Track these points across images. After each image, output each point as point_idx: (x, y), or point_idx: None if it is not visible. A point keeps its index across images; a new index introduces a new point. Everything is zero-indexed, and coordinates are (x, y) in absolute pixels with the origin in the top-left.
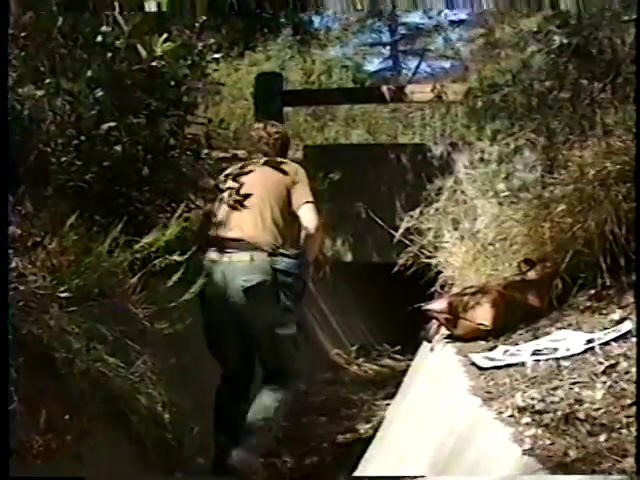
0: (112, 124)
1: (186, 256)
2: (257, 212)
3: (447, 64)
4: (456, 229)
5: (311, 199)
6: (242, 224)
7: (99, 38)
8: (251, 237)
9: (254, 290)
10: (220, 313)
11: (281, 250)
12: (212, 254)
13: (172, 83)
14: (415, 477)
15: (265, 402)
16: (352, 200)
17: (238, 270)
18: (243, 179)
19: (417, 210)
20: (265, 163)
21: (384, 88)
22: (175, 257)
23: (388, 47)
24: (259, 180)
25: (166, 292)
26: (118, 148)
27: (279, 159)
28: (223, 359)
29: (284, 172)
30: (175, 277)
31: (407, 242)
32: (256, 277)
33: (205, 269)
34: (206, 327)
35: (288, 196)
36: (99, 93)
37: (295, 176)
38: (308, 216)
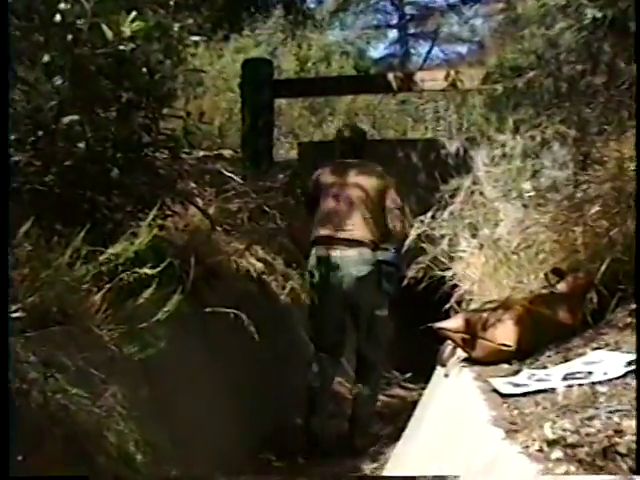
0: (74, 117)
1: (159, 268)
2: (361, 212)
3: (463, 48)
4: (474, 236)
5: (401, 204)
6: (349, 224)
7: (57, 17)
8: (360, 237)
9: (364, 278)
10: (331, 297)
11: (382, 245)
12: (320, 251)
13: (144, 70)
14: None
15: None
16: None
17: (351, 263)
18: (342, 179)
19: (429, 214)
20: (357, 166)
21: (391, 76)
22: (146, 270)
23: (395, 30)
24: (360, 182)
25: (137, 311)
26: (82, 145)
27: (371, 164)
28: (323, 335)
29: (378, 175)
30: (147, 293)
31: (417, 251)
32: (366, 268)
33: (313, 263)
34: (312, 309)
35: (383, 199)
36: (58, 81)
37: (388, 180)
38: (398, 222)
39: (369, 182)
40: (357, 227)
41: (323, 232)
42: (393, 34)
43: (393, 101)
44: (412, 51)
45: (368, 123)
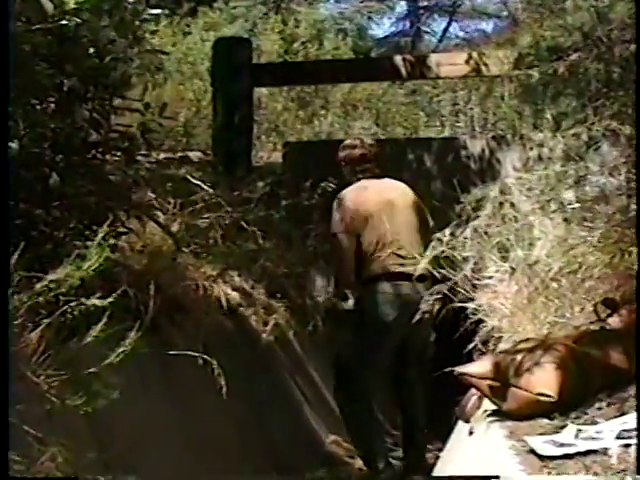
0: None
1: (111, 299)
2: (420, 238)
3: (488, 24)
4: (504, 259)
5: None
6: (412, 254)
7: None
8: (425, 268)
9: (426, 317)
10: (394, 337)
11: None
12: (384, 286)
13: (92, 51)
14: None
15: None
16: None
17: (419, 299)
18: (386, 202)
19: (447, 232)
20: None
21: (398, 60)
22: (95, 301)
23: (404, 1)
24: (406, 204)
25: (83, 352)
26: (14, 145)
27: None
28: (378, 372)
29: (412, 195)
30: (95, 330)
31: (434, 278)
32: (428, 305)
33: (381, 301)
34: (370, 349)
35: (425, 221)
36: None
37: (418, 198)
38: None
39: (413, 204)
40: (421, 256)
41: (392, 266)
42: (401, 7)
43: (401, 91)
44: (425, 28)
45: (370, 118)
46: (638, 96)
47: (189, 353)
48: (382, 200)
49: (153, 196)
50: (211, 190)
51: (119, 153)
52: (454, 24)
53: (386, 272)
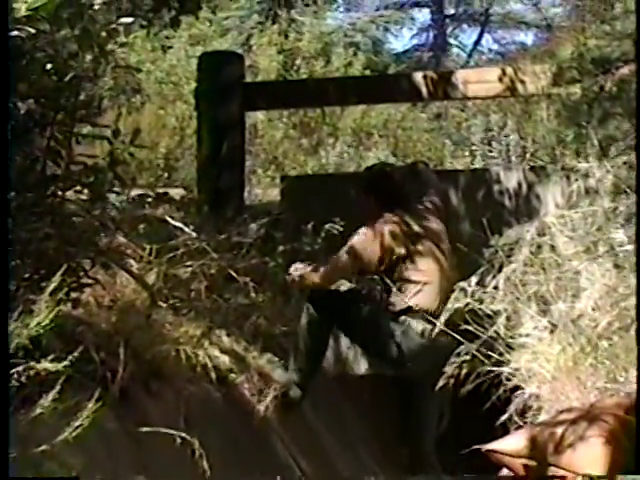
0: None
1: (67, 362)
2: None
3: (525, 34)
4: (544, 313)
5: None
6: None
7: None
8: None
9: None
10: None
11: None
12: (418, 324)
13: (49, 67)
14: None
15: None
16: None
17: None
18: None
19: (474, 280)
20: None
21: (420, 78)
22: (48, 365)
23: (427, 9)
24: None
25: (33, 426)
26: None
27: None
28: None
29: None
30: (48, 399)
31: (458, 337)
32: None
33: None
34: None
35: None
36: None
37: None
38: None
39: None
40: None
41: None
42: (423, 16)
43: (423, 115)
44: (451, 41)
45: (387, 148)
46: (638, 96)
47: (166, 430)
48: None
49: (124, 241)
50: (194, 234)
51: (83, 189)
52: (486, 35)
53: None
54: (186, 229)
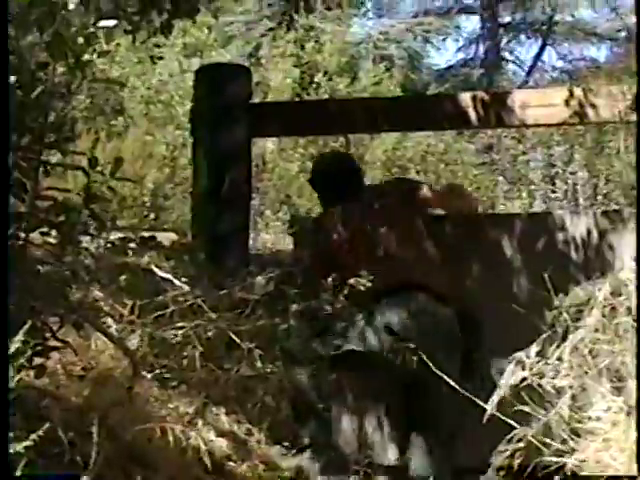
0: None
1: (29, 442)
2: None
3: (599, 48)
4: (618, 390)
5: None
6: None
7: None
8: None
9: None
10: None
11: None
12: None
13: (12, 80)
14: None
15: None
16: None
17: None
18: None
19: (533, 351)
20: None
21: (468, 99)
22: None
23: (476, 16)
24: None
25: None
26: None
27: None
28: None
29: None
30: None
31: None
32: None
33: None
34: None
35: None
36: None
37: None
38: None
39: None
40: None
41: None
42: (473, 24)
43: (471, 145)
44: (506, 55)
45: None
46: (638, 97)
47: None
48: None
49: (101, 295)
50: (187, 288)
51: (52, 231)
52: (548, 49)
53: None
54: (177, 282)
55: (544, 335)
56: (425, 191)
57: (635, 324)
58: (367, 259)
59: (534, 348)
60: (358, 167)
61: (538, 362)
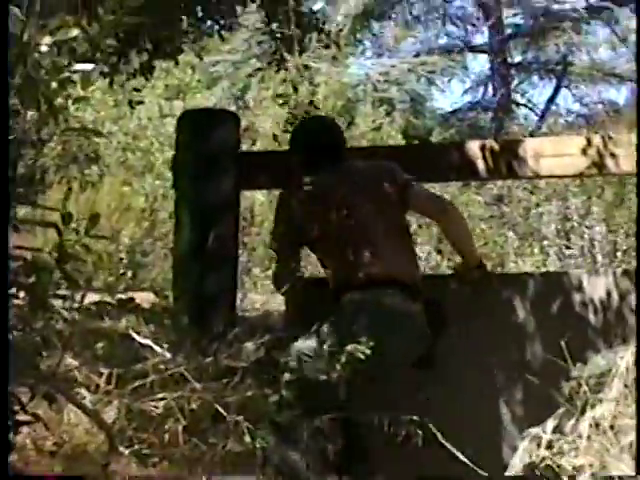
0: None
1: None
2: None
3: (618, 91)
4: None
5: None
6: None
7: None
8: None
9: None
10: None
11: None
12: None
13: None
14: None
15: None
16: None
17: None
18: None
19: (550, 425)
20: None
21: (476, 147)
22: None
23: (485, 55)
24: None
25: None
26: None
27: None
28: None
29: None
30: None
31: None
32: None
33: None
34: None
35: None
36: None
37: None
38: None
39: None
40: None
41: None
42: (481, 64)
43: (479, 197)
44: (518, 98)
45: (430, 242)
46: (639, 96)
47: None
48: None
49: (75, 363)
50: (169, 355)
51: (20, 293)
52: (564, 91)
53: None
54: (158, 349)
55: (562, 409)
56: (413, 189)
57: None
58: (337, 245)
59: (551, 423)
60: (342, 136)
61: (556, 439)
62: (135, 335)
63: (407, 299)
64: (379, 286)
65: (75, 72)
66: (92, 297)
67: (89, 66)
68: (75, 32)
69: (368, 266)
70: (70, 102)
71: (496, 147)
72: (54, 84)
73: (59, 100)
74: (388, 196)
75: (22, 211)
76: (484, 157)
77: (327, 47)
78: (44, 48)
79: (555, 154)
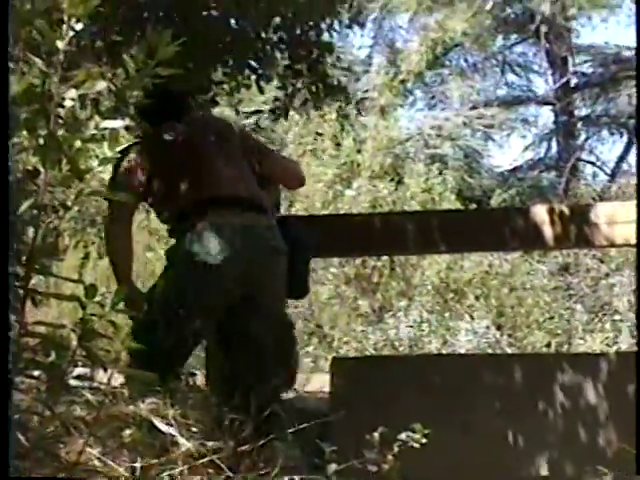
0: None
1: None
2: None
3: None
4: None
5: None
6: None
7: None
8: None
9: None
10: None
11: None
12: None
13: None
14: None
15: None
16: None
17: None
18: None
19: None
20: None
21: (540, 212)
22: None
23: (548, 107)
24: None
25: None
26: None
27: None
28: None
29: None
30: None
31: None
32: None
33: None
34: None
35: None
36: None
37: None
38: None
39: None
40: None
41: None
42: (543, 117)
43: (543, 267)
44: (584, 156)
45: (487, 316)
46: (639, 97)
47: None
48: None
49: (95, 453)
50: (189, 444)
51: (38, 373)
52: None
53: None
54: (183, 440)
55: None
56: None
57: None
58: (191, 173)
59: None
60: (187, 98)
61: None
62: (157, 422)
63: (255, 215)
64: (227, 206)
65: (102, 130)
66: (116, 381)
67: (117, 123)
68: (101, 85)
69: (214, 188)
70: (96, 163)
71: (566, 212)
72: (78, 143)
73: (82, 160)
74: (231, 138)
75: (35, 281)
76: (549, 222)
77: (374, 99)
78: (68, 103)
79: (628, 220)
